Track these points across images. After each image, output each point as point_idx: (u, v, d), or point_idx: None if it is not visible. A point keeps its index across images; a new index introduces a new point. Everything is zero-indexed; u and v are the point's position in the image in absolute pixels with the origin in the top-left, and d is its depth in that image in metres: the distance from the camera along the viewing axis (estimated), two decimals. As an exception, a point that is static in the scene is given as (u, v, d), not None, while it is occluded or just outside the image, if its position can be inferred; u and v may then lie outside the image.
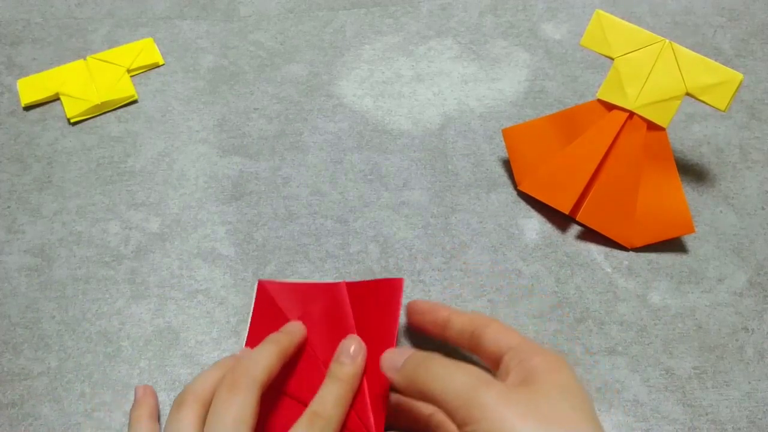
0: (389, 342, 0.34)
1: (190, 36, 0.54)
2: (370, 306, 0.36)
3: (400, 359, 0.32)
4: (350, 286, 0.37)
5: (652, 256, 0.43)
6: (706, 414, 0.37)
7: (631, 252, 0.43)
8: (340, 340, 0.35)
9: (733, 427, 0.37)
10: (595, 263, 0.43)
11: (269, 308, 0.39)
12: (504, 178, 0.46)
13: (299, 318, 0.37)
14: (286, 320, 0.37)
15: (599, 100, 0.42)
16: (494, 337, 0.33)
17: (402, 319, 0.38)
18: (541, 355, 0.31)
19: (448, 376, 0.29)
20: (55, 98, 0.50)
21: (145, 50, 0.52)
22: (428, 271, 0.42)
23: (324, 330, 0.36)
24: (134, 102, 0.50)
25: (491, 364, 0.33)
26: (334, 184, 0.46)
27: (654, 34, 0.40)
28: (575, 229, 0.44)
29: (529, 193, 0.44)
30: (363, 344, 0.35)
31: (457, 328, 0.34)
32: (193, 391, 0.33)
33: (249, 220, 0.44)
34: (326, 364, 0.35)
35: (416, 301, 0.38)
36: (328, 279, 0.42)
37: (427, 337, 0.37)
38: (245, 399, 0.31)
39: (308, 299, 0.38)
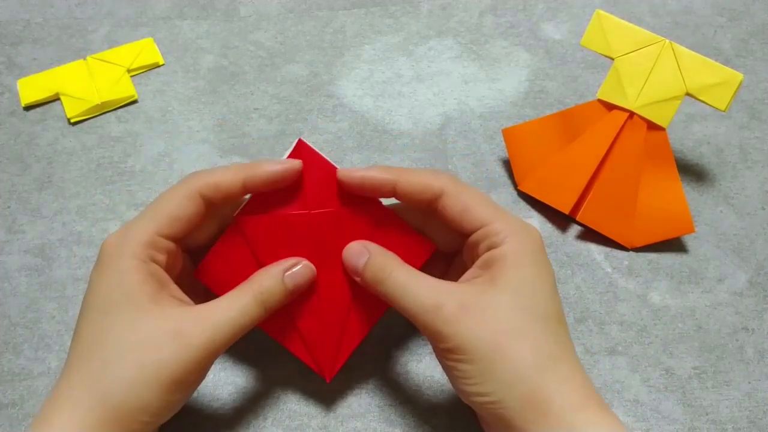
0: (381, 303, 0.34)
1: (190, 36, 0.54)
2: (386, 244, 0.34)
3: (361, 260, 0.32)
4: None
5: (652, 256, 0.43)
6: (706, 414, 0.37)
7: (631, 252, 0.43)
8: (328, 250, 0.34)
9: (733, 427, 0.37)
10: (595, 263, 0.43)
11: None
12: (504, 178, 0.46)
13: (315, 201, 0.34)
14: (305, 191, 0.34)
15: (599, 100, 0.42)
16: (461, 209, 0.32)
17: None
18: (507, 243, 0.31)
19: (409, 291, 0.30)
20: (55, 98, 0.50)
21: (145, 50, 0.52)
22: (428, 271, 0.42)
23: (327, 230, 0.34)
24: (134, 102, 0.50)
25: (455, 230, 0.33)
26: (334, 184, 0.46)
27: (654, 34, 0.40)
28: (575, 229, 0.44)
29: (529, 193, 0.44)
30: (309, 273, 0.33)
31: (410, 191, 0.33)
32: None
33: (249, 220, 0.44)
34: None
35: (347, 171, 0.33)
36: None
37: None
38: (172, 189, 0.33)
39: (334, 189, 0.34)
